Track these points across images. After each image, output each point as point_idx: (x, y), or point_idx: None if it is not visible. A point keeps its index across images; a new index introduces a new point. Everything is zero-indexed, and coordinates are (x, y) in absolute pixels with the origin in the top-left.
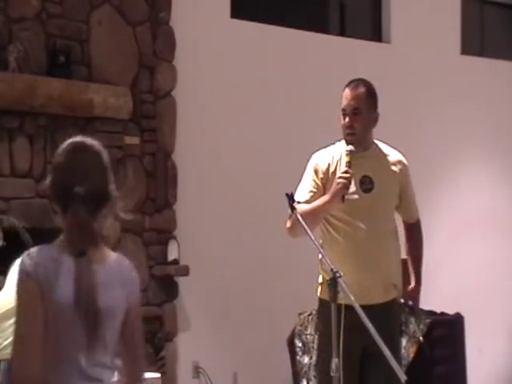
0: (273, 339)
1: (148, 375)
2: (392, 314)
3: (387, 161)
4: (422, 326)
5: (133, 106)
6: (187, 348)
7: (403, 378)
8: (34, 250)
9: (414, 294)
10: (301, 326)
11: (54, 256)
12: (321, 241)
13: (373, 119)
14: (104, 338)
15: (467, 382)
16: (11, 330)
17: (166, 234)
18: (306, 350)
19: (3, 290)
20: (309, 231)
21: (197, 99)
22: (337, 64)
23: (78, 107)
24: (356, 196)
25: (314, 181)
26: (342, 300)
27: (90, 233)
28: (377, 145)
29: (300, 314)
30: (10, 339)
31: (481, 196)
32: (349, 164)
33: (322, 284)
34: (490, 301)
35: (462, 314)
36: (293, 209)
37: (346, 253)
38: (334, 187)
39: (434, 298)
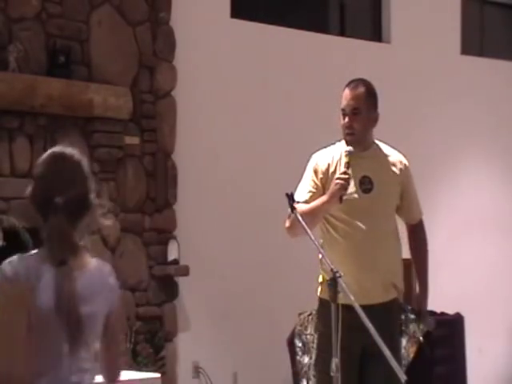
0: (273, 339)
1: (148, 375)
2: (392, 314)
3: (387, 161)
4: (422, 326)
5: (133, 106)
6: (187, 348)
7: (403, 378)
8: (15, 258)
9: (420, 302)
10: (301, 326)
11: (34, 265)
12: (321, 240)
13: (372, 119)
14: (85, 342)
15: (467, 382)
16: None
17: (166, 234)
18: (305, 350)
19: None
20: (309, 231)
21: (197, 99)
22: (337, 64)
23: (78, 107)
24: (355, 196)
25: (314, 181)
26: (341, 300)
27: (70, 243)
28: (377, 145)
29: (300, 314)
30: None
31: (481, 195)
32: (347, 165)
33: (322, 283)
34: (490, 301)
35: (462, 314)
36: (293, 209)
37: (346, 253)
38: (332, 188)
39: (434, 298)
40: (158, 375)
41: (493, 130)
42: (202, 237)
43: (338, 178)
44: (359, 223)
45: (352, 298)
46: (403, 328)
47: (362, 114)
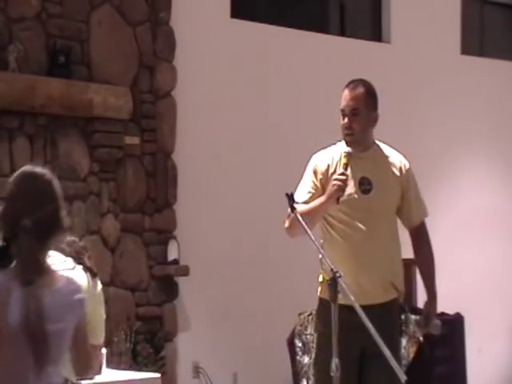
0: (273, 339)
1: (148, 375)
2: (391, 314)
3: (387, 162)
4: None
5: (133, 106)
6: (187, 348)
7: (403, 378)
8: None
9: (427, 307)
10: (301, 326)
11: (5, 281)
12: (321, 241)
13: (372, 119)
14: (53, 359)
15: (467, 382)
16: None
17: (166, 234)
18: (306, 350)
19: None
20: (309, 231)
21: (197, 99)
22: (337, 64)
23: (78, 107)
24: (355, 197)
25: (313, 182)
26: (341, 300)
27: (38, 263)
28: (378, 146)
29: (300, 314)
30: None
31: (481, 195)
32: (345, 166)
33: (322, 283)
34: (490, 301)
35: (462, 314)
36: (292, 209)
37: (345, 253)
38: (329, 189)
39: None
40: (158, 375)
41: (493, 130)
42: (202, 237)
43: (335, 179)
44: (359, 224)
45: (352, 298)
46: (403, 328)
47: (361, 115)
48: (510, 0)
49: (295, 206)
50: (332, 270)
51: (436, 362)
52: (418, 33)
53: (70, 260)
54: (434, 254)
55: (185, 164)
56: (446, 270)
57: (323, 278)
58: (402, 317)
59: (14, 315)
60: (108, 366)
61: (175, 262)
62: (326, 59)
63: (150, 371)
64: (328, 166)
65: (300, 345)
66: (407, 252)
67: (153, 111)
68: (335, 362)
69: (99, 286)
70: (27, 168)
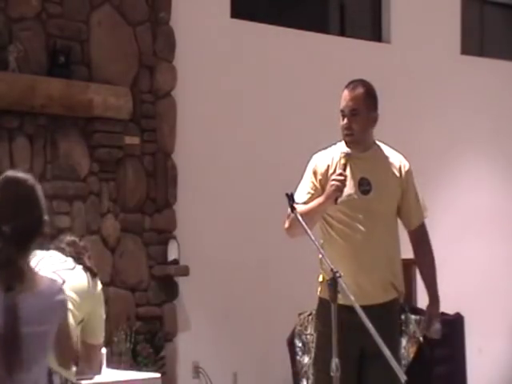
0: (273, 339)
1: (148, 375)
2: (391, 314)
3: (387, 162)
4: (421, 326)
5: (133, 106)
6: (187, 348)
7: (403, 378)
8: None
9: (429, 310)
10: (301, 326)
11: None
12: (321, 241)
13: (372, 120)
14: (27, 365)
15: (467, 382)
16: None
17: (166, 234)
18: (306, 350)
19: None
20: (309, 231)
21: (197, 99)
22: (337, 64)
23: (78, 107)
24: (354, 197)
25: (313, 182)
26: (340, 300)
27: (17, 270)
28: (379, 146)
29: (300, 314)
30: None
31: (481, 195)
32: (344, 166)
33: (321, 283)
34: (490, 301)
35: (462, 314)
36: (293, 209)
37: (345, 254)
38: (327, 189)
39: None
40: (158, 375)
41: (493, 130)
42: (202, 237)
43: (333, 180)
44: (358, 224)
45: (352, 298)
46: (403, 328)
47: (360, 115)
48: (510, 0)
49: (295, 206)
50: (332, 270)
51: (436, 361)
52: (417, 33)
53: (69, 260)
54: (434, 255)
55: (185, 164)
56: (446, 269)
57: (323, 278)
58: (402, 317)
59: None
60: (108, 365)
61: (175, 261)
62: (326, 59)
63: (150, 371)
64: (328, 166)
65: (300, 345)
66: (407, 252)
67: (153, 111)
68: (335, 362)
69: (99, 286)
70: (10, 173)
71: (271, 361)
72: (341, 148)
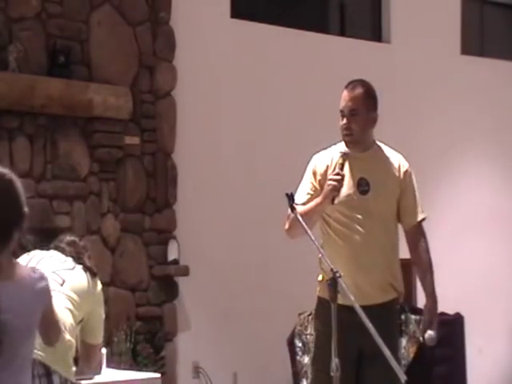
0: (273, 339)
1: (148, 375)
2: (391, 314)
3: (387, 163)
4: (422, 326)
5: (133, 106)
6: (187, 348)
7: (403, 378)
8: None
9: (425, 313)
10: (301, 326)
11: None
12: (321, 241)
13: (371, 120)
14: (16, 347)
15: (467, 382)
16: None
17: (165, 234)
18: (305, 350)
19: None
20: (309, 231)
21: (197, 99)
22: (337, 64)
23: (77, 107)
24: (353, 198)
25: (312, 183)
26: (339, 300)
27: None
28: (379, 146)
29: (300, 314)
30: None
31: (481, 195)
32: (341, 166)
33: (320, 282)
34: (490, 301)
35: (462, 314)
36: (293, 209)
37: (344, 254)
38: (324, 189)
39: None
40: (158, 375)
41: (493, 130)
42: (201, 237)
43: (330, 179)
44: (356, 225)
45: (352, 298)
46: (403, 328)
47: (360, 115)
48: (510, 0)
49: (295, 206)
50: (332, 269)
51: (436, 361)
52: (418, 33)
53: (69, 260)
54: (430, 254)
55: (185, 164)
56: (446, 269)
57: (322, 278)
58: (402, 317)
59: None
60: (108, 365)
61: (175, 262)
62: (326, 59)
63: (150, 371)
64: (327, 166)
65: (300, 345)
66: (407, 252)
67: (153, 111)
68: (335, 362)
69: (99, 286)
70: None
71: (271, 361)
72: (341, 148)
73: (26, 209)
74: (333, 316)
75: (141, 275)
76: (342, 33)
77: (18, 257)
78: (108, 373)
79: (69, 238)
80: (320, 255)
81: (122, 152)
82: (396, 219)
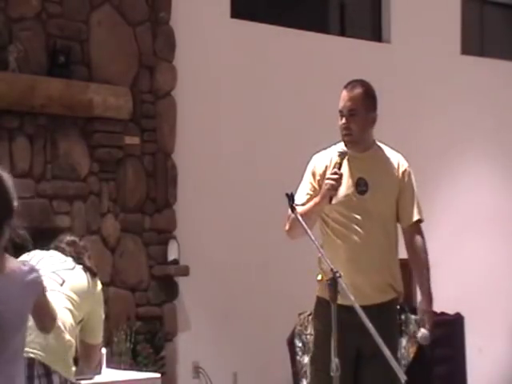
0: (273, 339)
1: (148, 375)
2: (390, 314)
3: (386, 163)
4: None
5: (133, 106)
6: (187, 348)
7: (403, 378)
8: None
9: (422, 310)
10: (301, 326)
11: None
12: (321, 241)
13: (370, 120)
14: (7, 338)
15: (467, 382)
16: None
17: (165, 234)
18: (305, 350)
19: None
20: (309, 231)
21: (197, 99)
22: (337, 64)
23: (77, 107)
24: (352, 198)
25: (311, 183)
26: (338, 300)
27: None
28: (379, 146)
29: (300, 314)
30: None
31: (481, 195)
32: (339, 165)
33: (320, 282)
34: (490, 301)
35: (462, 314)
36: (293, 209)
37: (342, 254)
38: (322, 188)
39: (434, 298)
40: (158, 375)
41: (493, 130)
42: (201, 237)
43: (327, 179)
44: (356, 225)
45: (352, 298)
46: (403, 328)
47: (359, 115)
48: (510, 0)
49: (295, 206)
50: (332, 270)
51: (436, 361)
52: (418, 33)
53: (69, 260)
54: (427, 254)
55: (185, 164)
56: (446, 270)
57: (321, 277)
58: (402, 317)
59: None
60: (108, 365)
61: (175, 261)
62: (326, 59)
63: (150, 371)
64: (326, 167)
65: (300, 345)
66: (405, 252)
67: (153, 111)
68: (335, 362)
69: (99, 285)
70: None
71: (271, 361)
72: (340, 148)
73: (15, 203)
74: (333, 316)
75: (141, 275)
76: (342, 33)
77: (9, 251)
78: (108, 373)
79: (69, 238)
80: (320, 255)
81: (122, 152)
82: (395, 219)
